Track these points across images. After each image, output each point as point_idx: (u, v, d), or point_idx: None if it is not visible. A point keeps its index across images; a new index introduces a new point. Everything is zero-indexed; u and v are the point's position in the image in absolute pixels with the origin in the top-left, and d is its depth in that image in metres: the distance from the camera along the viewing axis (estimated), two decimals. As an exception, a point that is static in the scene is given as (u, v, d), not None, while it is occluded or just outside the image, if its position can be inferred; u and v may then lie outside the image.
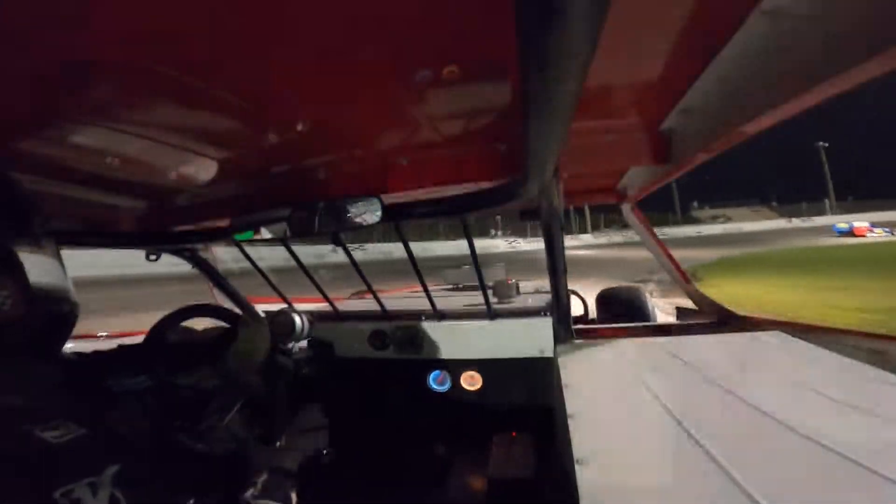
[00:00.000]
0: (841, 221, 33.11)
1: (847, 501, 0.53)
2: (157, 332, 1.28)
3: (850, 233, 28.48)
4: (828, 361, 1.06)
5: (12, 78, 0.59)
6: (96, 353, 1.02)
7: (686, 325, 1.99)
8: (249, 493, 0.76)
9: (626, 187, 1.91)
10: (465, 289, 2.79)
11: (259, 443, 1.00)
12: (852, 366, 1.01)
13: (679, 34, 0.67)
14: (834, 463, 0.59)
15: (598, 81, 0.82)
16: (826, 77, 0.61)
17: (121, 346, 1.18)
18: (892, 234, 27.72)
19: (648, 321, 2.41)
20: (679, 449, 0.67)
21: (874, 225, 29.59)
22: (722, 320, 1.81)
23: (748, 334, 1.42)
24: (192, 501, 0.59)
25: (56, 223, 1.19)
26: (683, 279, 2.07)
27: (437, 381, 1.84)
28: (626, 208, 2.02)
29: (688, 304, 2.18)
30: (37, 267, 0.60)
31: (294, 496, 0.86)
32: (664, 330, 1.86)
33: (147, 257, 1.56)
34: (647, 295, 2.83)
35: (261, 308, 2.06)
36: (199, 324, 1.33)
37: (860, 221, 30.99)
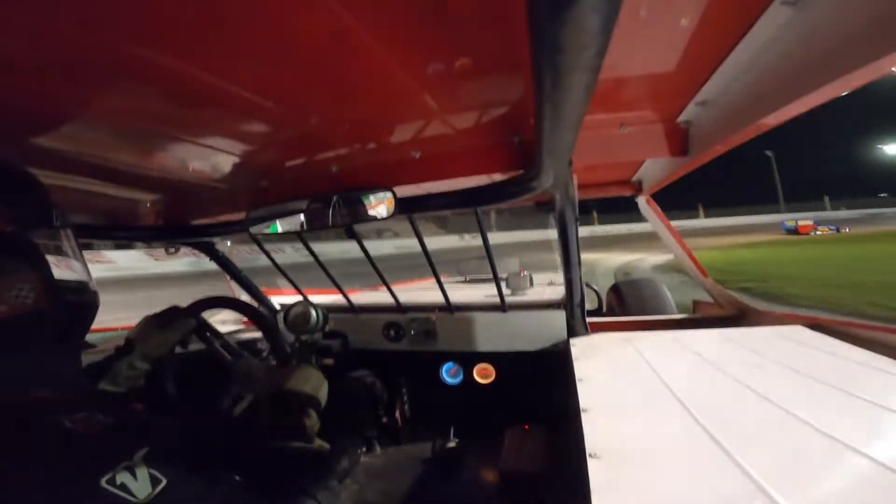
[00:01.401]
0: (789, 219, 33.92)
1: (866, 500, 0.51)
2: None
3: (796, 231, 28.87)
4: (849, 356, 1.04)
5: (33, 74, 0.60)
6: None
7: (703, 318, 1.96)
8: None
9: (642, 180, 1.88)
10: (471, 282, 2.80)
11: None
12: (874, 360, 0.98)
13: (698, 24, 0.65)
14: (852, 460, 0.58)
15: (614, 73, 0.80)
16: (847, 70, 0.59)
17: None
18: (839, 231, 27.64)
19: (666, 314, 2.38)
20: (693, 444, 0.66)
21: (818, 222, 30.33)
22: (740, 314, 1.78)
23: (767, 328, 1.40)
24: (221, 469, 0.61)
25: (75, 217, 1.23)
26: (701, 273, 2.03)
27: (450, 374, 1.85)
28: (641, 201, 1.99)
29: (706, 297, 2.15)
30: (58, 260, 0.62)
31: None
32: (681, 323, 1.83)
33: (166, 251, 1.59)
34: (665, 288, 2.79)
35: (276, 300, 2.09)
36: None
37: (805, 220, 31.58)
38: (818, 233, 27.59)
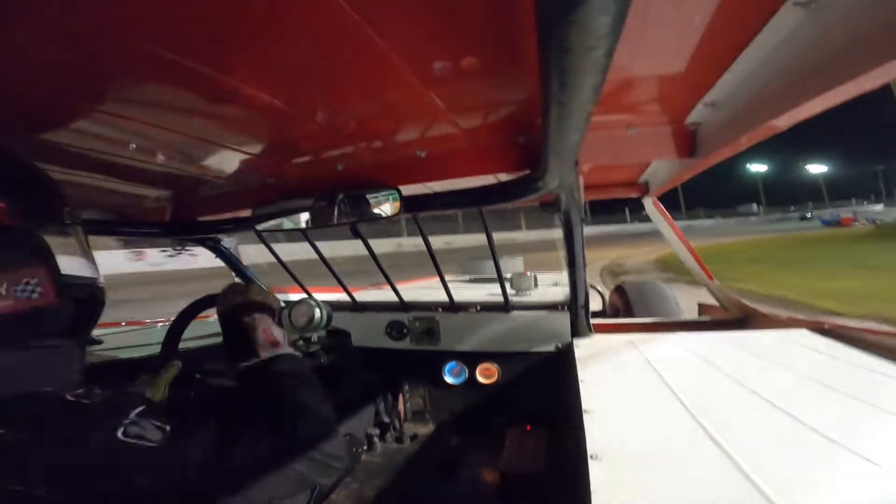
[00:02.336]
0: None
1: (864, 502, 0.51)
2: (182, 322, 1.32)
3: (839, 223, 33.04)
4: (855, 360, 1.03)
5: (42, 70, 0.61)
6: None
7: (708, 321, 1.95)
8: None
9: (649, 181, 1.87)
10: (475, 281, 2.79)
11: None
12: (879, 365, 0.98)
13: (708, 25, 0.65)
14: (856, 465, 0.58)
15: (622, 73, 0.80)
16: (859, 72, 0.58)
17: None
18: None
19: (671, 317, 2.37)
20: (695, 447, 0.66)
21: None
22: (745, 318, 1.77)
23: (772, 332, 1.39)
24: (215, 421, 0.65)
25: (83, 212, 1.23)
26: (707, 275, 2.02)
27: (452, 373, 1.85)
28: (647, 202, 1.98)
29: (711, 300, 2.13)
30: (66, 255, 0.62)
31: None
32: (685, 326, 1.83)
33: (173, 247, 1.60)
34: (670, 290, 2.78)
35: (280, 297, 2.10)
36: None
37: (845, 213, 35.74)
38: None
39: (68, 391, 0.55)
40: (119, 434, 0.52)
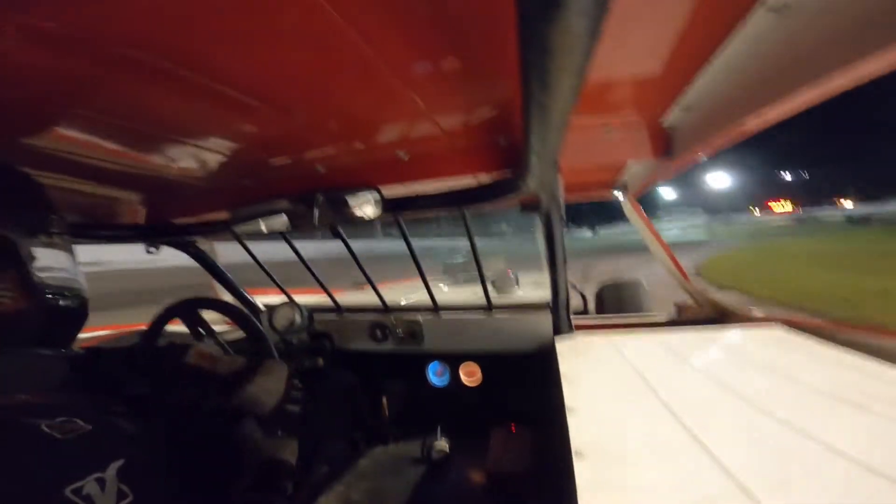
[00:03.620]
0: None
1: (841, 498, 0.53)
2: (158, 325, 1.28)
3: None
4: (828, 357, 1.06)
5: (15, 73, 0.59)
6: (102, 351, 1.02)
7: (686, 319, 1.99)
8: (248, 483, 0.76)
9: (626, 182, 1.90)
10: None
11: (259, 433, 1.00)
12: (849, 359, 1.01)
13: (682, 28, 0.67)
14: (829, 458, 0.60)
15: (600, 75, 0.81)
16: (829, 73, 0.60)
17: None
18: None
19: (648, 315, 2.42)
20: (676, 443, 0.67)
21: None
22: (720, 315, 1.81)
23: (746, 329, 1.42)
24: (195, 492, 0.60)
25: (54, 217, 1.19)
26: (682, 275, 2.07)
27: (436, 374, 1.85)
28: (625, 203, 2.02)
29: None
30: (43, 260, 0.60)
31: (290, 487, 0.86)
32: (663, 324, 1.86)
33: (147, 250, 1.56)
34: (646, 289, 2.83)
35: (260, 300, 2.07)
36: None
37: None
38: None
39: (46, 421, 0.49)
40: (68, 491, 0.45)
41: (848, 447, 0.61)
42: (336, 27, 0.55)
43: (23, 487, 0.44)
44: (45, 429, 0.48)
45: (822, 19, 0.60)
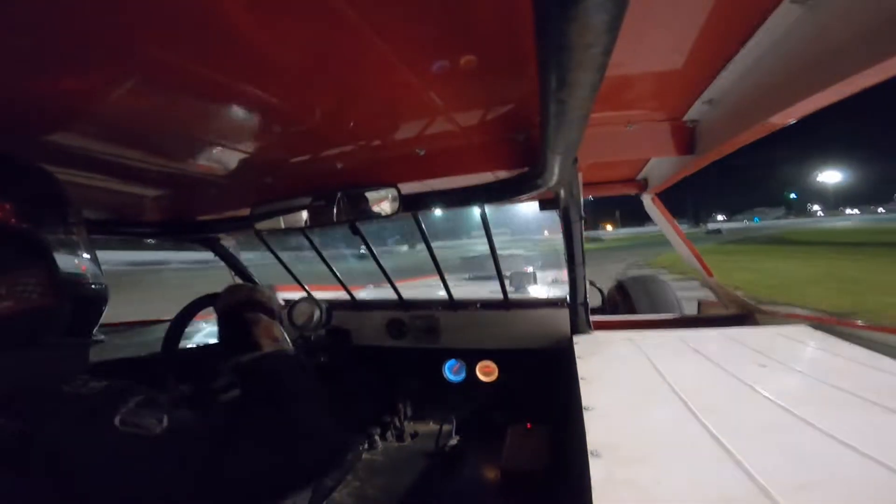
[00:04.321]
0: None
1: (865, 500, 0.51)
2: (182, 320, 1.31)
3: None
4: (852, 356, 1.03)
5: (44, 71, 0.61)
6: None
7: (708, 317, 1.96)
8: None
9: (647, 178, 1.87)
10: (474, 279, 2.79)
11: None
12: (876, 360, 0.98)
13: (706, 23, 0.65)
14: (853, 460, 0.58)
15: (621, 70, 0.80)
16: (856, 70, 0.58)
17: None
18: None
19: (670, 312, 2.37)
20: (695, 443, 0.66)
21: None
22: (745, 314, 1.77)
23: (772, 328, 1.39)
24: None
25: (85, 213, 1.22)
26: (706, 271, 2.03)
27: (452, 371, 1.85)
28: (646, 199, 1.99)
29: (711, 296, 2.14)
30: (66, 255, 0.62)
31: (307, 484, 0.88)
32: (685, 322, 1.83)
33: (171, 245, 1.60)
34: (670, 285, 2.78)
35: (280, 296, 2.10)
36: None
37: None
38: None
39: (65, 385, 0.55)
40: (116, 422, 0.52)
41: (871, 449, 0.60)
42: (356, 27, 0.55)
43: (76, 431, 0.50)
44: (67, 388, 0.55)
45: (849, 11, 0.58)
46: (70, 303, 0.62)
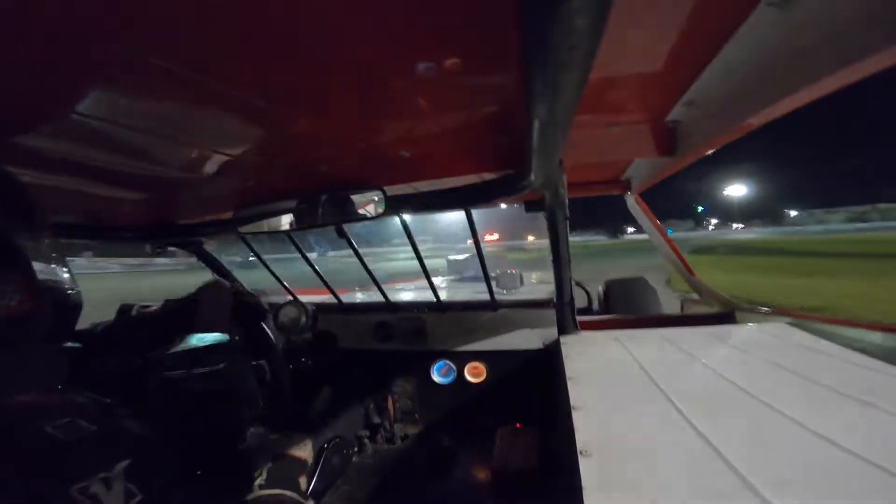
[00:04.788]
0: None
1: (846, 495, 0.52)
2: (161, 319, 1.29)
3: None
4: (834, 353, 1.06)
5: (17, 71, 0.59)
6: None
7: (691, 316, 1.99)
8: (258, 479, 0.77)
9: (631, 178, 1.90)
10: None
11: (268, 431, 1.01)
12: (859, 358, 1.00)
13: (685, 25, 0.66)
14: (835, 454, 0.59)
15: (604, 73, 0.81)
16: (831, 70, 0.60)
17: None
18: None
19: (654, 312, 2.40)
20: (682, 440, 0.67)
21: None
22: (727, 312, 1.80)
23: (753, 326, 1.42)
24: (204, 488, 0.60)
25: (63, 217, 1.19)
26: (688, 270, 2.06)
27: (441, 373, 1.85)
28: (629, 200, 2.01)
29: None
30: (41, 261, 0.61)
31: (303, 483, 0.86)
32: (669, 321, 1.85)
33: (152, 251, 1.57)
34: (653, 286, 2.81)
35: (265, 300, 2.07)
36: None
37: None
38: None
39: (50, 423, 0.50)
40: (74, 490, 0.45)
41: (853, 444, 0.61)
42: (339, 27, 0.55)
43: (28, 489, 0.44)
44: (50, 430, 0.49)
45: (824, 13, 0.59)
46: (46, 308, 0.61)
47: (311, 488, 1.33)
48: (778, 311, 1.55)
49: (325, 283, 1.85)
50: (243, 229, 1.30)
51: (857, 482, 0.53)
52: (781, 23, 0.65)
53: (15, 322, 0.56)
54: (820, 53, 0.61)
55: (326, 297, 1.98)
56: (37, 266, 0.60)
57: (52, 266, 0.64)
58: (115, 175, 1.06)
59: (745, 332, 1.36)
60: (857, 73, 0.59)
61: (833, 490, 0.53)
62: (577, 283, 2.35)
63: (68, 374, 0.63)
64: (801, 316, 1.43)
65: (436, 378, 1.84)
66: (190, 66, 0.62)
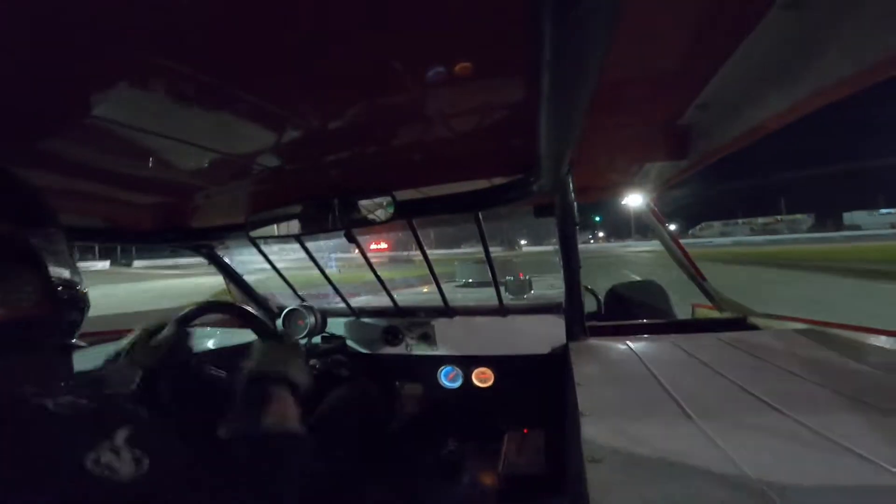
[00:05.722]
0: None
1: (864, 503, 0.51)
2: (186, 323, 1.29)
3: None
4: (851, 360, 1.04)
5: (36, 77, 0.60)
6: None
7: (704, 322, 1.96)
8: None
9: (641, 183, 1.88)
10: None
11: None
12: (875, 365, 0.98)
13: (698, 28, 0.66)
14: (851, 463, 0.58)
15: (615, 76, 0.80)
16: (846, 73, 0.59)
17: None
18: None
19: (666, 318, 2.37)
20: (693, 449, 0.66)
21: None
22: (741, 318, 1.78)
23: (766, 332, 1.39)
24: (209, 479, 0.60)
25: (76, 220, 1.21)
26: (699, 276, 2.03)
27: (448, 378, 1.85)
28: (640, 204, 1.99)
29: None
30: (52, 262, 0.62)
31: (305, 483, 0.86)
32: (681, 327, 1.83)
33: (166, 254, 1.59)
34: (666, 291, 2.77)
35: (275, 303, 2.09)
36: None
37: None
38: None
39: (52, 400, 0.51)
40: (87, 462, 0.47)
41: (869, 452, 0.60)
42: (349, 31, 0.55)
43: (45, 460, 0.46)
44: (52, 406, 0.50)
45: (839, 16, 0.59)
46: (59, 310, 0.62)
47: (315, 493, 1.33)
48: (792, 317, 1.52)
49: (335, 288, 1.86)
50: (254, 234, 1.31)
51: (872, 490, 0.52)
52: (795, 25, 0.64)
53: (31, 323, 0.57)
54: (836, 55, 0.61)
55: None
56: (51, 268, 0.61)
57: (65, 268, 0.65)
58: (131, 179, 1.08)
59: (759, 338, 1.34)
60: (873, 75, 0.58)
61: (850, 500, 0.52)
62: (587, 289, 2.33)
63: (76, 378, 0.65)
64: (816, 322, 1.41)
65: (443, 382, 1.84)
66: (204, 73, 0.63)
